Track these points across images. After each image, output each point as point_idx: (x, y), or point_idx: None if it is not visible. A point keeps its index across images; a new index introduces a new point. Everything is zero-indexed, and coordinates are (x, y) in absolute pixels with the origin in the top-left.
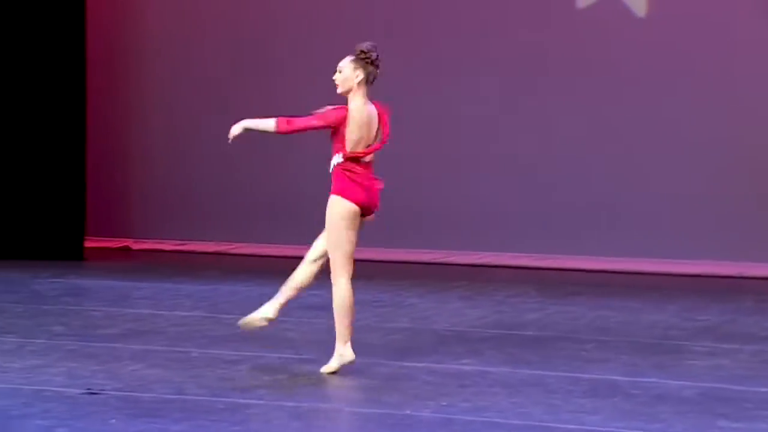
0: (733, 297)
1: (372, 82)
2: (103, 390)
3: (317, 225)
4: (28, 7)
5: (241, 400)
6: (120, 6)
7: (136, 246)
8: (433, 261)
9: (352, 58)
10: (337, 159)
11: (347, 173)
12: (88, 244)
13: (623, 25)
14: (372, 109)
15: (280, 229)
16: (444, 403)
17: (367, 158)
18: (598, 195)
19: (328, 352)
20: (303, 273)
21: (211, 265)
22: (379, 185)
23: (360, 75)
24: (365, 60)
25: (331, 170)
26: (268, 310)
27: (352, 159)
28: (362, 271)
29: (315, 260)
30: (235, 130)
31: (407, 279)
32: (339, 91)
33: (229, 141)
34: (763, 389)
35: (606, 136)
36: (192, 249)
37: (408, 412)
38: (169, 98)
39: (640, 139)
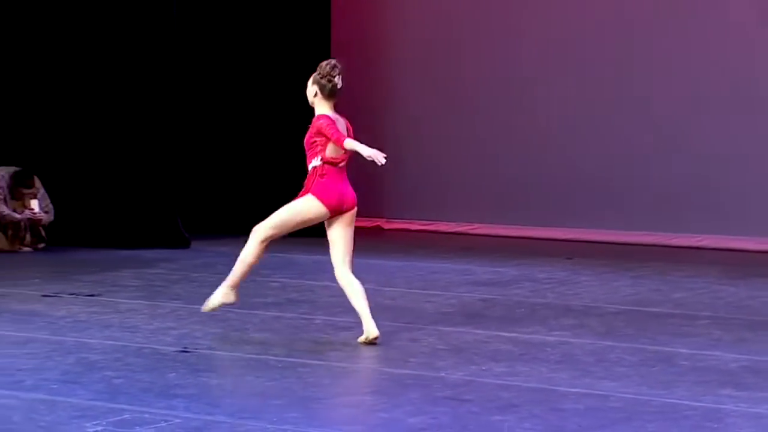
0: None
1: (332, 95)
2: (196, 349)
3: (552, 206)
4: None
5: (306, 360)
6: None
7: (387, 226)
8: (653, 243)
9: (313, 75)
10: (315, 162)
11: (323, 177)
12: None
13: None
14: (340, 119)
15: (521, 211)
16: (484, 368)
17: (342, 164)
18: None
19: (444, 323)
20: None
21: (437, 244)
22: (350, 190)
23: (315, 90)
24: (318, 75)
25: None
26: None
27: (329, 163)
28: (561, 250)
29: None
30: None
31: (608, 259)
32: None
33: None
34: None
35: None
36: (436, 229)
37: (442, 374)
38: (419, 81)
39: None
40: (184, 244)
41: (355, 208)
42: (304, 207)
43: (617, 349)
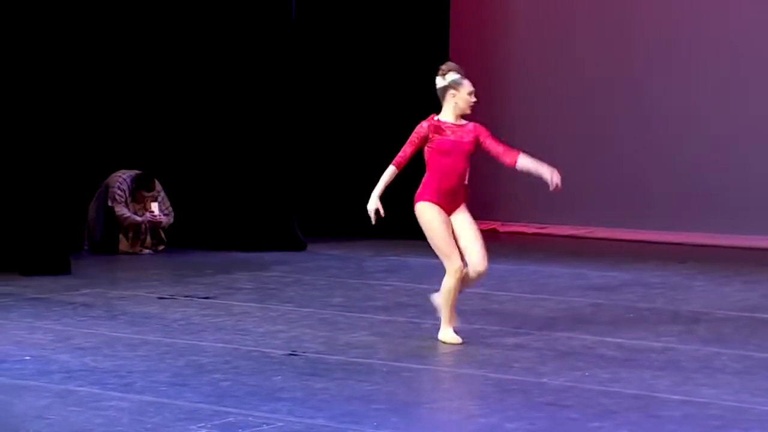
0: None
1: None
2: (304, 353)
3: (669, 210)
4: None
5: (411, 365)
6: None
7: (502, 229)
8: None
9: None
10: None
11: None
12: None
13: None
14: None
15: (637, 214)
16: (587, 374)
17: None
18: None
19: (550, 327)
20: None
21: (552, 248)
22: None
23: None
24: None
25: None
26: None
27: None
28: (673, 253)
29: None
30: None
31: (721, 263)
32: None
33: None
34: None
35: None
36: (551, 232)
37: (545, 380)
38: (535, 84)
39: None
40: (300, 247)
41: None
42: None
43: (722, 356)
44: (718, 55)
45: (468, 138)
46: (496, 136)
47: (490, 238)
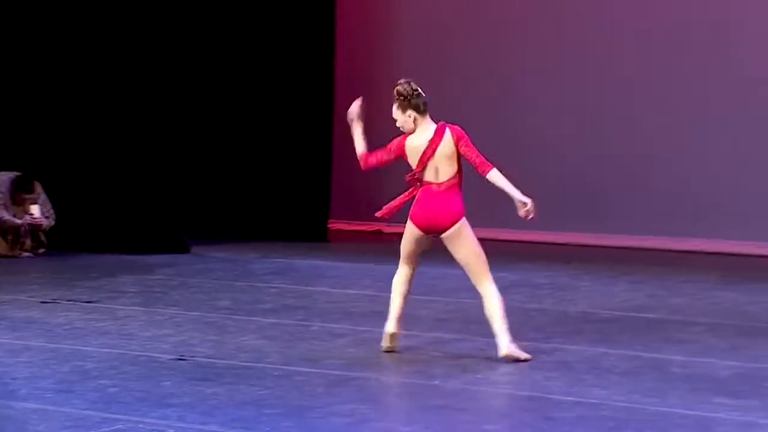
0: None
1: (425, 110)
2: (193, 357)
3: (552, 211)
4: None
5: (302, 368)
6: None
7: (387, 230)
8: (653, 247)
9: (396, 105)
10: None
11: (416, 196)
12: (344, 227)
13: None
14: (426, 135)
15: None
16: (478, 376)
17: (441, 180)
18: None
19: (440, 329)
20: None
21: (438, 249)
22: (455, 208)
23: (411, 113)
24: (407, 99)
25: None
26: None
27: (419, 182)
28: (559, 254)
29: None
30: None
31: (606, 263)
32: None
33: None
34: None
35: None
36: None
37: (436, 382)
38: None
39: None
40: (183, 249)
41: (457, 226)
42: (406, 229)
43: (611, 357)
44: (604, 55)
45: None
46: (384, 140)
47: (374, 239)
